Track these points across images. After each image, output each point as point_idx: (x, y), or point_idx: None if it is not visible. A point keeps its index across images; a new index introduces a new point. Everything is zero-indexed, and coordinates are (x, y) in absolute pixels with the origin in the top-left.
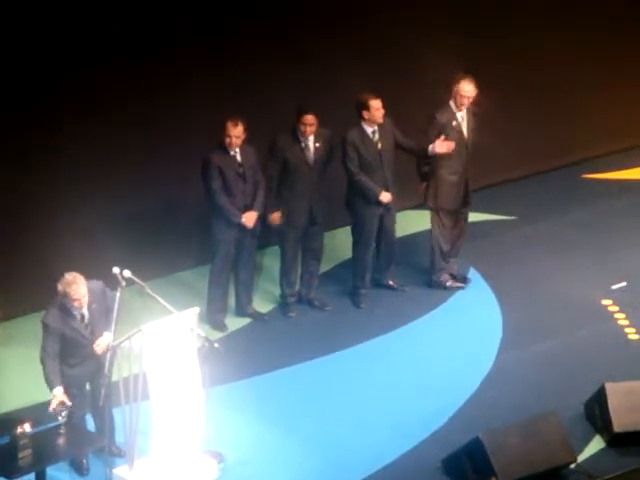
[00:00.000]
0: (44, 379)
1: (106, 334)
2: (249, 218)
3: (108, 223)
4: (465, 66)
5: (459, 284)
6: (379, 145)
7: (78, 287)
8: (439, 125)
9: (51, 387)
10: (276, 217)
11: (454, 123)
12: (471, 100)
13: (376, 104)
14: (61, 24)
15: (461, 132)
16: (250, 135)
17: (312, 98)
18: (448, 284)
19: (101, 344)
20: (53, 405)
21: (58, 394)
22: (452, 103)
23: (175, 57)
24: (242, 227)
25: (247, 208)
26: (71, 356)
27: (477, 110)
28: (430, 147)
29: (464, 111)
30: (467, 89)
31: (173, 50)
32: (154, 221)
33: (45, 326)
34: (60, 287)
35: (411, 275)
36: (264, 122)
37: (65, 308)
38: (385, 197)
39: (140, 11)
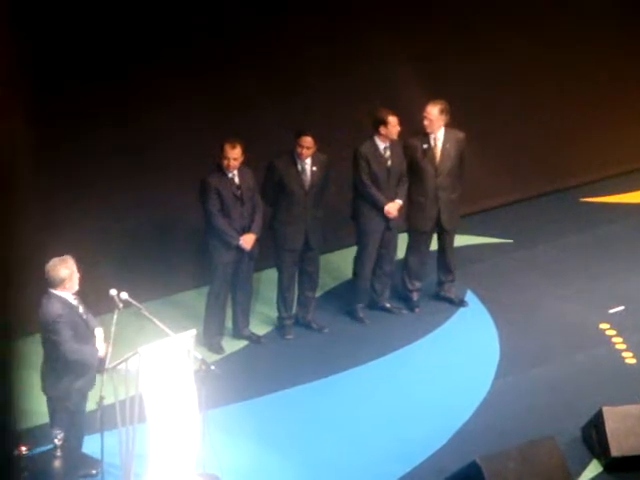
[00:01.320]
0: (86, 362)
1: (98, 329)
2: (247, 240)
3: (105, 244)
4: (458, 90)
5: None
6: (389, 162)
7: (73, 263)
8: (409, 148)
9: (94, 356)
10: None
11: (425, 146)
12: (435, 123)
13: (394, 120)
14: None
15: (432, 155)
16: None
17: (310, 120)
18: (415, 299)
19: (100, 335)
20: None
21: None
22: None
23: (173, 77)
24: (240, 249)
25: (245, 230)
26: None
27: (462, 136)
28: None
29: (440, 135)
30: (428, 110)
31: (171, 70)
32: (152, 242)
33: (58, 317)
34: (64, 270)
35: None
36: (260, 144)
37: (66, 301)
38: (391, 207)
39: (134, 30)
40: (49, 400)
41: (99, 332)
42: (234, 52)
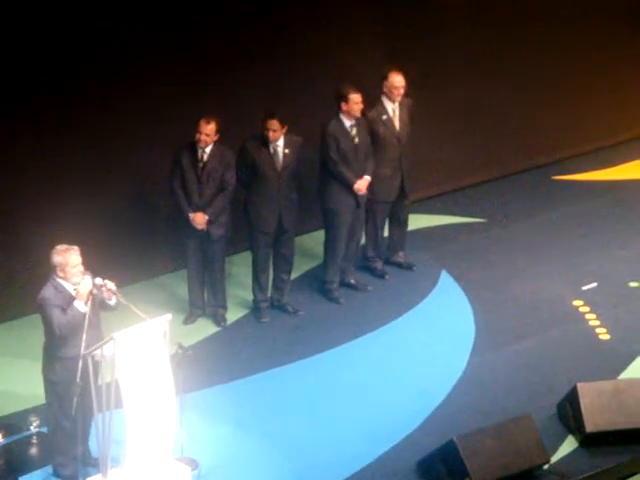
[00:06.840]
0: (66, 325)
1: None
2: (196, 219)
3: (87, 228)
4: (431, 64)
5: (401, 262)
6: (356, 140)
7: (76, 253)
8: (369, 120)
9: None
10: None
11: (384, 117)
12: (403, 91)
13: (356, 98)
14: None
15: (392, 125)
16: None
17: (285, 101)
18: (380, 268)
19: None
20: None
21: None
22: (384, 98)
23: (163, 60)
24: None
25: (200, 210)
26: (72, 336)
27: (411, 101)
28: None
29: (396, 104)
30: (398, 80)
31: (162, 51)
32: (131, 226)
33: (46, 301)
34: (58, 257)
35: (383, 279)
36: (237, 126)
37: (60, 287)
38: (361, 184)
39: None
40: (45, 381)
41: (87, 279)
42: (218, 34)
